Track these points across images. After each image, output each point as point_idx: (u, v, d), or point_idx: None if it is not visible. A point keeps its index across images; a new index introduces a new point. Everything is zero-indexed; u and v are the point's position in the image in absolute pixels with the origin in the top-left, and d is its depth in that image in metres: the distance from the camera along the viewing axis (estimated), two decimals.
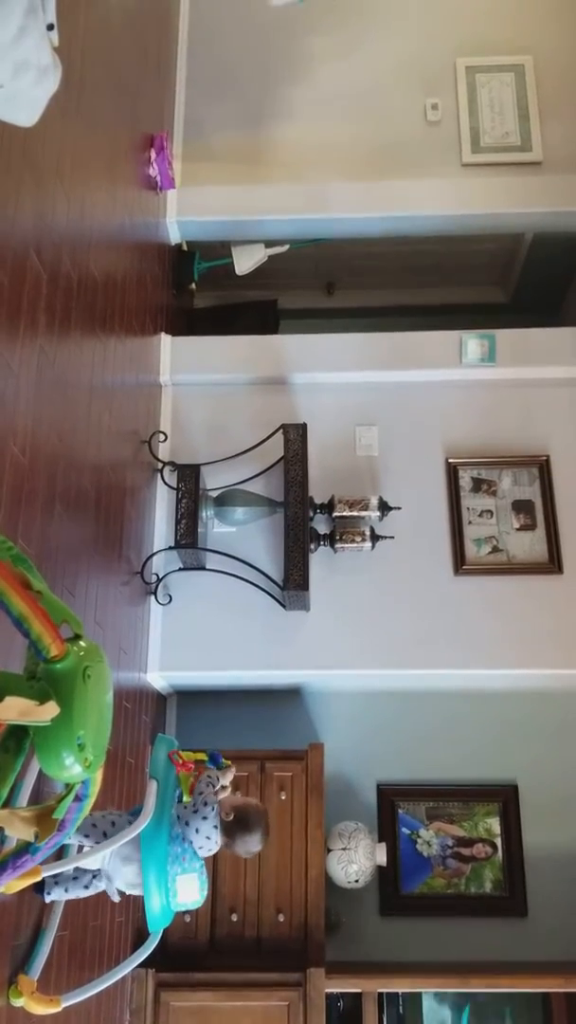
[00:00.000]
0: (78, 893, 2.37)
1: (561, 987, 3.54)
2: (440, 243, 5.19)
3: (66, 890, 2.35)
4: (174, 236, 4.54)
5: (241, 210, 4.45)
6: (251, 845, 2.44)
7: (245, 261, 4.60)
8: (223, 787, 2.45)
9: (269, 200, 4.43)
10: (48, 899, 2.33)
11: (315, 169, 4.44)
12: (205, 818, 2.34)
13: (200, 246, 4.78)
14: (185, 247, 4.69)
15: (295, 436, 3.87)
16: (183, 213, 4.41)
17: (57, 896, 2.34)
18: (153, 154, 3.99)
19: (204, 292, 5.62)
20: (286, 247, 4.64)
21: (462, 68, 4.64)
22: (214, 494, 3.88)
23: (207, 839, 2.34)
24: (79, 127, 2.80)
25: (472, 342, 4.19)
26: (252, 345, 4.29)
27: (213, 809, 2.36)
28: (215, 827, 2.35)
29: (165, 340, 4.20)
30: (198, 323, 5.19)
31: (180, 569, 3.83)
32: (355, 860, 3.79)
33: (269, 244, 4.61)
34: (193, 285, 4.71)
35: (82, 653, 1.42)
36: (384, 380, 4.19)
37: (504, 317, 5.23)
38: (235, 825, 2.39)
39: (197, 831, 2.33)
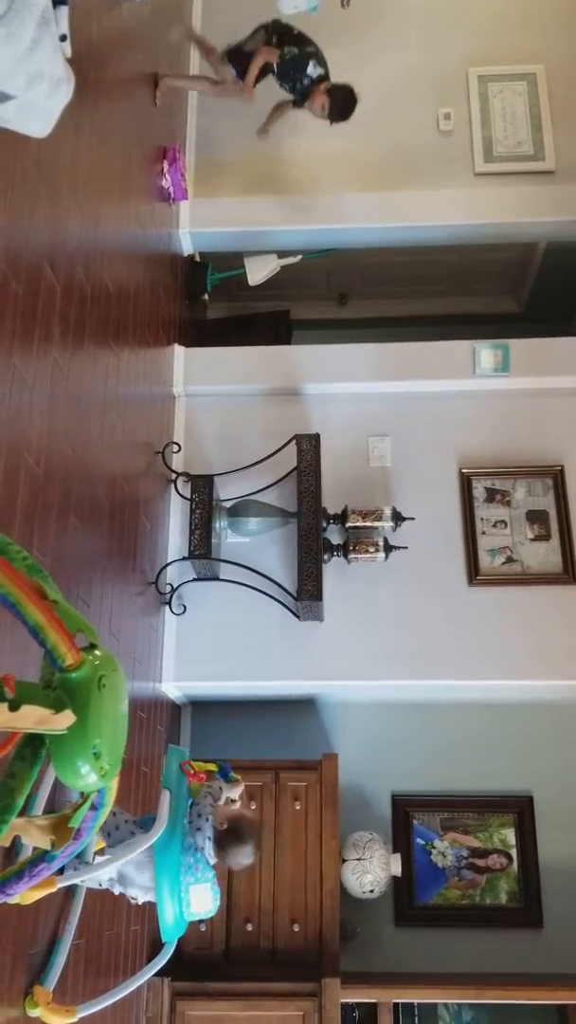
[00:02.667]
0: (92, 885, 2.37)
1: None
2: (453, 253, 5.21)
3: (83, 880, 2.34)
4: (187, 247, 4.57)
5: (253, 221, 4.47)
6: (241, 857, 2.43)
7: (258, 272, 4.62)
8: (231, 800, 2.46)
9: (281, 211, 4.45)
10: (61, 883, 2.30)
11: (327, 180, 4.46)
12: (199, 829, 2.34)
13: (213, 257, 4.81)
14: (198, 258, 4.72)
15: (308, 447, 3.88)
16: (196, 224, 4.43)
17: (77, 879, 2.31)
18: (166, 166, 4.02)
19: (217, 303, 5.65)
20: (298, 258, 4.66)
21: (474, 77, 4.66)
22: (227, 505, 3.89)
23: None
24: (92, 139, 2.83)
25: (485, 352, 4.19)
26: (265, 356, 4.30)
27: (208, 822, 2.36)
28: (208, 838, 2.34)
29: (178, 351, 4.22)
30: (211, 334, 5.21)
31: (194, 579, 3.83)
32: (370, 870, 3.78)
33: (282, 255, 4.64)
34: (206, 296, 4.74)
35: (97, 662, 1.43)
36: (397, 390, 4.19)
37: (517, 327, 5.22)
38: (227, 836, 2.39)
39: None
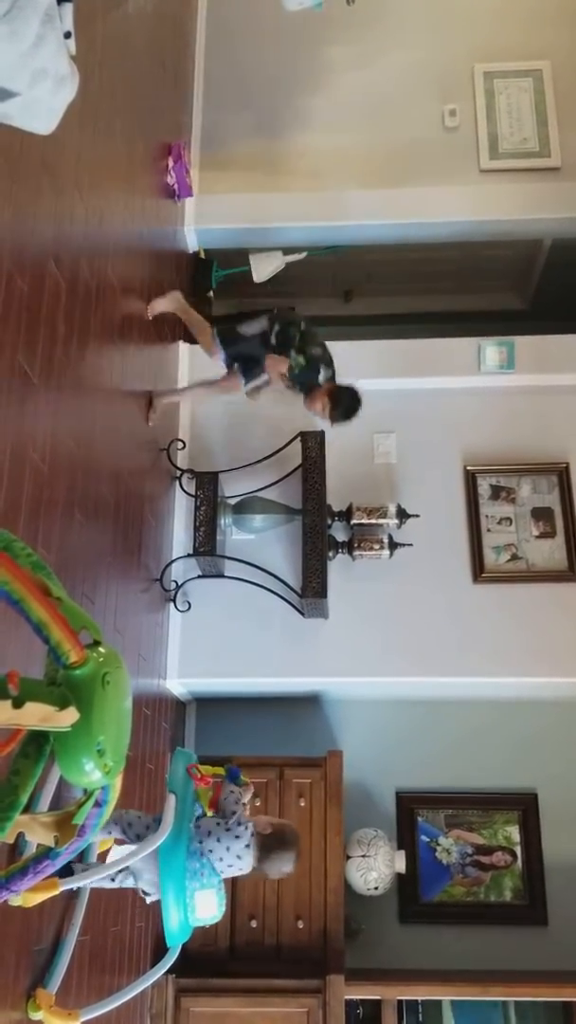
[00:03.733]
0: (103, 884, 2.36)
1: None
2: (458, 249, 5.19)
3: (88, 882, 2.33)
4: (192, 244, 4.56)
5: (259, 218, 4.47)
6: (284, 864, 2.41)
7: (263, 269, 4.62)
8: (243, 805, 2.45)
9: (287, 208, 4.45)
10: (63, 886, 2.30)
11: (333, 177, 4.45)
12: (238, 837, 2.32)
13: (218, 254, 4.80)
14: (203, 255, 4.71)
15: (313, 444, 3.88)
16: (201, 221, 4.43)
17: (79, 883, 2.31)
18: (171, 162, 4.02)
19: (222, 300, 5.63)
20: (304, 254, 4.65)
21: (480, 73, 4.64)
22: (232, 502, 3.89)
23: (238, 858, 2.32)
24: (97, 136, 2.83)
25: (491, 349, 4.18)
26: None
27: (247, 828, 2.34)
28: (247, 846, 2.33)
29: (183, 348, 4.21)
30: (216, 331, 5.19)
31: (199, 576, 3.83)
32: (374, 867, 3.78)
33: (287, 252, 4.63)
34: (211, 293, 4.73)
35: (101, 659, 1.43)
36: (402, 388, 4.18)
37: (523, 324, 5.20)
38: (273, 841, 2.37)
39: (228, 849, 2.30)
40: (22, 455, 2.12)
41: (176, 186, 4.09)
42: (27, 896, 1.81)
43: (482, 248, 5.26)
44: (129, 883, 2.40)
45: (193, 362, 4.20)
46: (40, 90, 1.53)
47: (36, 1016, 2.10)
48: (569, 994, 3.51)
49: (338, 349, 4.25)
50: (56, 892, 1.91)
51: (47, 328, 2.29)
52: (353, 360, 4.22)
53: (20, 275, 2.11)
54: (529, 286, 5.84)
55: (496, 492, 4.06)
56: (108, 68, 2.98)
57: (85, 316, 2.64)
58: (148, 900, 2.41)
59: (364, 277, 5.84)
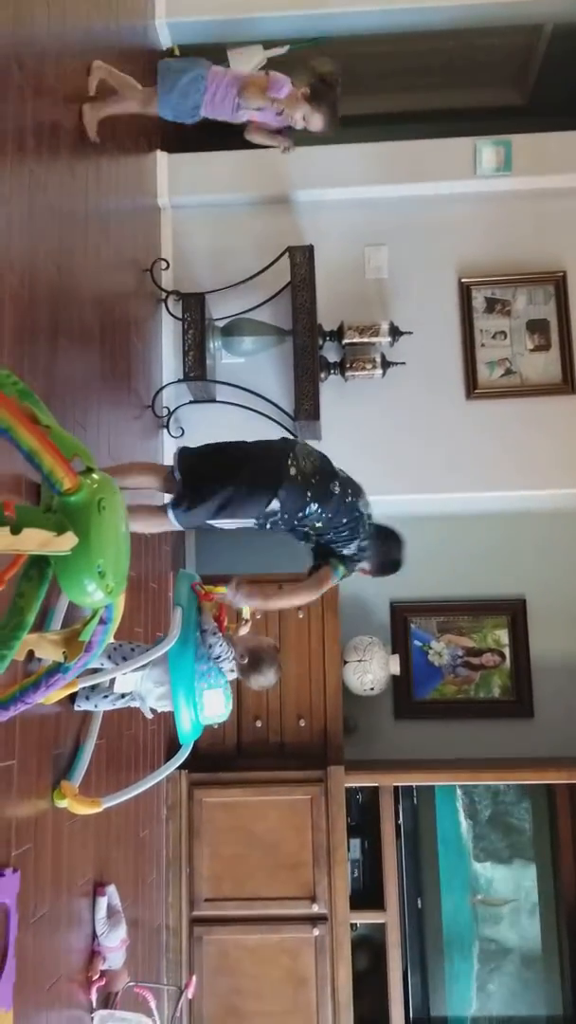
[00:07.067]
0: (106, 707, 2.54)
1: (564, 779, 3.80)
2: (451, 39, 4.79)
3: (95, 705, 2.51)
4: (164, 40, 4.21)
5: (235, 7, 4.10)
6: (264, 682, 2.64)
7: (243, 66, 4.27)
8: (245, 621, 2.67)
9: None
10: (77, 709, 2.49)
11: None
12: (221, 658, 2.52)
13: (193, 50, 4.41)
14: (177, 52, 4.36)
15: (302, 259, 3.75)
16: (173, 13, 4.08)
17: (87, 707, 2.50)
18: None
19: None
20: (285, 49, 4.30)
21: None
22: (221, 324, 3.81)
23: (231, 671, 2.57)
24: None
25: (487, 150, 3.96)
26: (253, 160, 4.05)
27: (226, 650, 2.54)
28: (232, 671, 2.57)
29: (161, 158, 3.99)
30: (195, 137, 4.89)
31: (191, 402, 3.82)
32: (370, 670, 4.01)
33: (267, 46, 4.28)
34: None
35: (95, 486, 1.45)
36: (393, 195, 4.00)
37: (521, 121, 4.89)
38: (249, 667, 2.60)
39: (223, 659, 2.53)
40: (0, 280, 2.06)
41: None
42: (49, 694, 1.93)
43: (477, 36, 4.85)
44: (135, 703, 2.57)
45: (171, 173, 3.99)
46: None
47: (62, 804, 2.29)
48: (552, 777, 3.81)
49: (324, 154, 4.05)
50: (76, 689, 2.17)
51: (15, 140, 2.16)
52: (341, 165, 4.02)
53: None
54: (528, 79, 5.44)
55: (491, 305, 3.97)
56: None
57: (55, 125, 2.48)
58: (150, 716, 2.62)
59: (350, 73, 5.41)
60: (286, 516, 2.67)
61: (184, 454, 2.76)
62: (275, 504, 2.61)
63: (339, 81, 2.99)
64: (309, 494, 2.64)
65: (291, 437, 3.31)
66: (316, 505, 2.66)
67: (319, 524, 2.70)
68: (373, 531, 2.86)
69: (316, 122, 2.98)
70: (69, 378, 2.57)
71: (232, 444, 2.82)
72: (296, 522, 2.70)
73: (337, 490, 2.71)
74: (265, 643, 2.69)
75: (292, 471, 2.64)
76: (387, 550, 2.93)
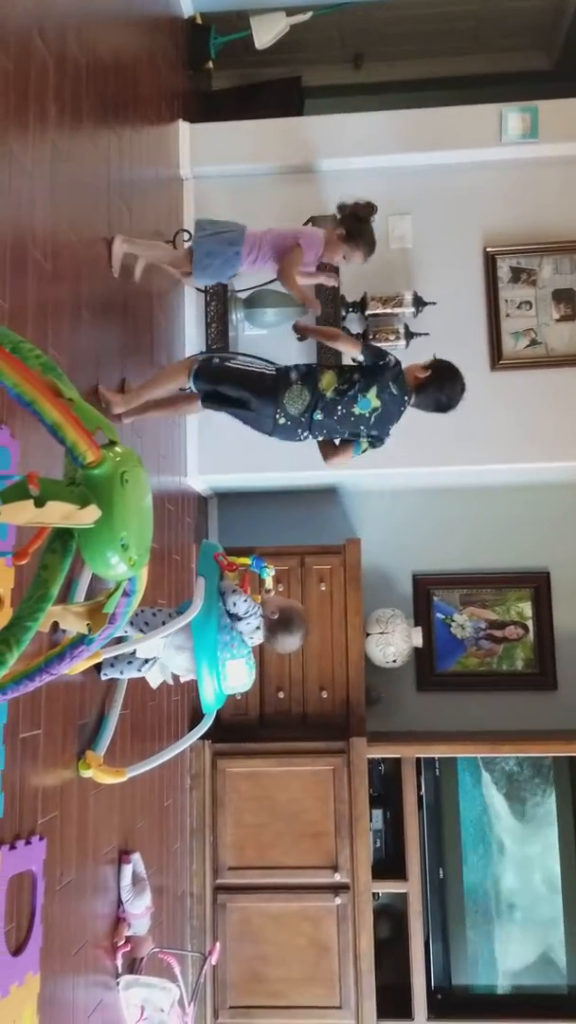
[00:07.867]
0: (132, 674, 2.57)
1: None
2: (477, 2, 4.70)
3: (121, 672, 2.54)
4: (187, 8, 4.17)
5: None
6: (289, 644, 2.65)
7: (265, 33, 4.22)
8: (268, 591, 2.70)
9: None
10: (104, 678, 2.52)
11: None
12: (250, 615, 2.52)
13: (216, 18, 4.38)
14: (199, 20, 4.30)
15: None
16: None
17: (113, 675, 2.53)
18: None
19: (222, 72, 5.20)
20: (309, 15, 4.23)
21: None
22: (243, 295, 3.79)
23: (252, 637, 2.57)
24: None
25: (513, 116, 3.89)
26: (276, 129, 4.02)
27: (257, 610, 2.55)
28: (257, 628, 2.56)
29: (183, 128, 3.95)
30: (217, 107, 4.85)
31: None
32: (392, 643, 4.01)
33: (290, 12, 4.21)
34: (210, 64, 4.35)
35: (118, 459, 1.45)
36: (418, 163, 3.94)
37: (548, 86, 4.80)
38: (277, 624, 2.60)
39: (248, 625, 2.54)
40: (24, 253, 2.05)
41: None
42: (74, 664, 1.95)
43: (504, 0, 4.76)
44: (156, 671, 2.59)
45: (193, 143, 3.96)
46: None
47: (87, 774, 2.32)
48: (575, 749, 3.80)
49: (349, 121, 3.99)
50: (100, 659, 2.16)
51: (36, 110, 2.15)
52: (365, 133, 3.96)
53: (4, 52, 1.95)
54: (556, 42, 5.33)
55: (516, 275, 3.92)
56: None
57: (76, 95, 2.47)
58: (171, 684, 2.65)
59: (375, 39, 5.35)
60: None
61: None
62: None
63: (374, 210, 3.05)
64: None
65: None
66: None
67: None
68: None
69: (357, 258, 3.07)
70: (92, 351, 2.57)
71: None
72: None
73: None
74: (296, 604, 2.73)
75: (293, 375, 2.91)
76: (449, 390, 3.07)
